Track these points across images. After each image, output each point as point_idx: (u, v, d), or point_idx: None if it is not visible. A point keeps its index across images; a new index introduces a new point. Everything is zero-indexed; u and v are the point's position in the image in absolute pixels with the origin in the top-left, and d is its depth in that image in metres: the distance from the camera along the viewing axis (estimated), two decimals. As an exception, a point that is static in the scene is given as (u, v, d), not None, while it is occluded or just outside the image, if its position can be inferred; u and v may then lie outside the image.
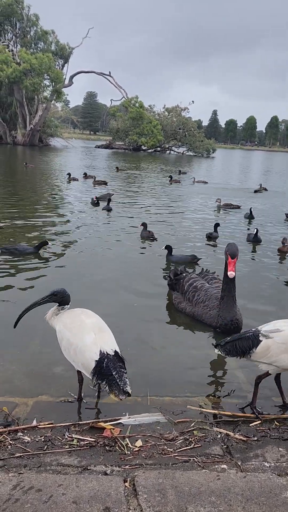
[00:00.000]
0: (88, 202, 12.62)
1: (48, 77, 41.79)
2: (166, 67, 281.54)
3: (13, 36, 45.02)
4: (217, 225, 9.08)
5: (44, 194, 14.00)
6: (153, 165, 31.94)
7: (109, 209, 11.43)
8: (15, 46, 44.36)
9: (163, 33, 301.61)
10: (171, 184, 19.89)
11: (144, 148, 52.82)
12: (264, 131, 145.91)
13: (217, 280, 5.24)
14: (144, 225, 8.68)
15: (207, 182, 21.96)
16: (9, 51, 41.28)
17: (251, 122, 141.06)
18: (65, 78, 46.17)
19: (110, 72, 51.94)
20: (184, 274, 5.35)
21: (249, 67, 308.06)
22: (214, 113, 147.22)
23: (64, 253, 7.17)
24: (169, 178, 20.99)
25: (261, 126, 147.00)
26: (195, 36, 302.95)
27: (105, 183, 17.93)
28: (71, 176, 18.30)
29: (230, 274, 4.23)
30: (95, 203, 12.20)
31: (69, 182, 17.58)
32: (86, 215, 10.85)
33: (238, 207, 13.39)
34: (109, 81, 52.11)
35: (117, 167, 24.63)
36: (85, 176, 19.44)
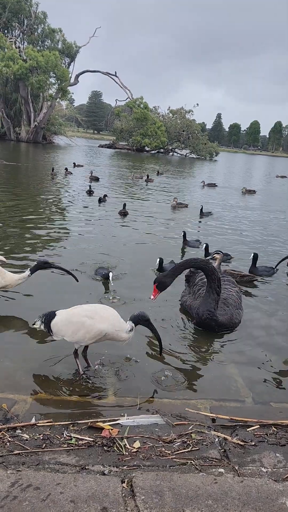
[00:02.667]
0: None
1: (54, 75, 41.83)
2: (172, 69, 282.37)
3: (21, 33, 45.12)
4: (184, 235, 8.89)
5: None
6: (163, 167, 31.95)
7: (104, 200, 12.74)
8: (22, 43, 44.45)
9: (171, 36, 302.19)
10: (147, 184, 19.73)
11: (147, 149, 52.86)
12: (267, 136, 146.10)
13: (229, 279, 5.29)
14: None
15: (216, 185, 21.88)
16: (16, 47, 41.33)
17: (254, 127, 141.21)
18: (70, 77, 46.23)
19: (116, 72, 52.03)
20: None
21: (255, 72, 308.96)
22: (218, 116, 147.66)
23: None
24: (146, 177, 20.89)
25: (264, 131, 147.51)
26: (203, 39, 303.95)
27: (97, 179, 18.49)
28: (54, 171, 18.73)
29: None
30: (90, 192, 14.00)
31: (53, 179, 17.67)
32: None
33: (186, 205, 13.62)
34: (115, 81, 52.21)
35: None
36: (66, 170, 19.68)
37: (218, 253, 6.34)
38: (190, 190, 19.68)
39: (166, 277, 4.56)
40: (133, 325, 3.39)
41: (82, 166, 23.89)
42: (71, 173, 19.62)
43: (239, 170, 44.06)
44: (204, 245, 7.70)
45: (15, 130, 44.05)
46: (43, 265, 4.59)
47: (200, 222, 11.74)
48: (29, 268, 4.63)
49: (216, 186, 21.73)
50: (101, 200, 12.66)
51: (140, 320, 3.41)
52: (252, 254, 7.05)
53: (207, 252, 7.42)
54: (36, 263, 4.64)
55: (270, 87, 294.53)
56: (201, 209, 12.41)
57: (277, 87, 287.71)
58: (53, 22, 46.71)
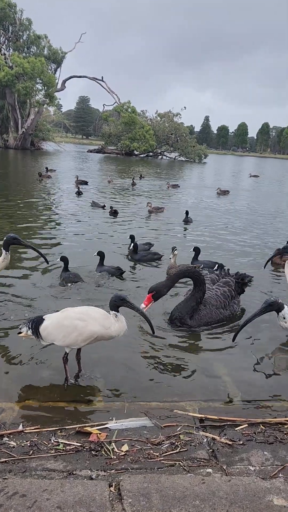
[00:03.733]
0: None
1: (41, 81, 41.81)
2: (160, 72, 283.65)
3: (6, 40, 45.03)
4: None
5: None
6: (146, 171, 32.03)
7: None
8: (8, 50, 44.39)
9: (157, 39, 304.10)
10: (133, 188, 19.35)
11: (136, 153, 53.01)
12: (255, 137, 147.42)
13: (226, 280, 5.34)
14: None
15: (179, 186, 21.54)
16: (1, 54, 41.30)
17: (242, 129, 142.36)
18: (57, 82, 46.27)
19: (102, 77, 52.17)
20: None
21: (243, 74, 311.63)
22: (206, 119, 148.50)
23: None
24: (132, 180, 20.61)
25: (252, 133, 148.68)
26: (190, 42, 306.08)
27: (86, 182, 18.66)
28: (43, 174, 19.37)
29: (142, 306, 4.36)
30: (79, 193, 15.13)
31: (40, 182, 18.36)
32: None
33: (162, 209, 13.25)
34: (102, 86, 52.33)
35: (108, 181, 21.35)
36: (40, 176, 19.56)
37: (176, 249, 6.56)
38: (159, 192, 19.34)
39: (163, 286, 4.57)
40: (115, 312, 3.38)
41: (54, 170, 23.03)
42: (50, 177, 19.80)
43: (223, 171, 44.40)
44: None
45: (3, 137, 43.91)
46: (13, 241, 4.58)
47: (185, 229, 11.16)
48: (1, 248, 4.66)
49: (179, 187, 21.11)
50: (111, 212, 11.97)
51: (117, 303, 3.37)
52: (193, 248, 7.27)
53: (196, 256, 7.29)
54: (5, 238, 4.61)
55: (257, 89, 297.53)
56: (187, 214, 11.68)
57: (264, 89, 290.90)
58: (38, 28, 46.83)
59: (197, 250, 7.25)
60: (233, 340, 4.10)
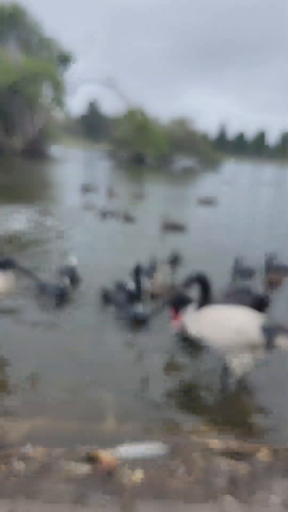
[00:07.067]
0: None
1: (50, 85, 42.71)
2: (175, 77, 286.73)
3: (16, 44, 46.21)
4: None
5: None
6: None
7: None
8: (18, 53, 45.47)
9: (172, 43, 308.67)
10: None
11: (147, 159, 53.41)
12: (273, 145, 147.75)
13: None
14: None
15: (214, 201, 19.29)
16: (11, 58, 42.33)
17: (260, 136, 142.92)
18: (67, 86, 47.17)
19: (114, 81, 53.05)
20: None
21: (261, 81, 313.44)
22: (223, 125, 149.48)
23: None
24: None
25: (270, 140, 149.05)
26: (209, 47, 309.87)
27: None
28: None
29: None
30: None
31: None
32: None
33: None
34: (113, 90, 53.19)
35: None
36: None
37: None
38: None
39: (180, 294, 4.36)
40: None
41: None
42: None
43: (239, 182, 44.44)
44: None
45: (11, 141, 44.68)
46: (7, 262, 4.33)
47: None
48: None
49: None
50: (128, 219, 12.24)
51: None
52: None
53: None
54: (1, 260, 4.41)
55: (276, 96, 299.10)
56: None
57: (283, 96, 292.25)
58: (49, 32, 47.89)
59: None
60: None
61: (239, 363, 3.75)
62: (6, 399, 3.45)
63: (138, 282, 5.71)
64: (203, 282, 4.71)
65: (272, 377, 4.18)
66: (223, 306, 4.15)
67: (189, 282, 4.63)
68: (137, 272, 5.71)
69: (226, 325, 3.67)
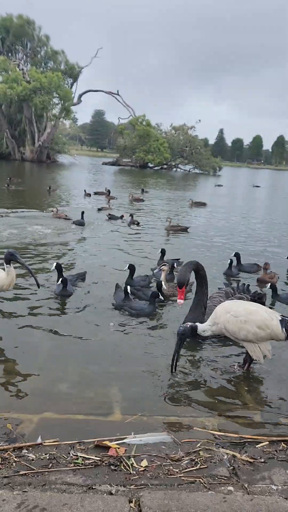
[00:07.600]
0: None
1: (57, 95, 42.78)
2: (175, 86, 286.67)
3: (24, 56, 46.33)
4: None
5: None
6: (158, 184, 32.21)
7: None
8: (26, 65, 45.58)
9: (173, 53, 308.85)
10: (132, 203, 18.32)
11: (150, 165, 53.42)
12: (270, 150, 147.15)
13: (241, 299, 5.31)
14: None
15: (205, 204, 19.34)
16: (19, 70, 42.43)
17: (257, 141, 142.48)
18: (73, 96, 47.18)
19: (118, 91, 52.97)
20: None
21: (258, 86, 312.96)
22: (221, 131, 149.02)
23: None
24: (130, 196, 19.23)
25: (267, 145, 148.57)
26: (205, 56, 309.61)
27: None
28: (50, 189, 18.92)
29: (179, 302, 4.26)
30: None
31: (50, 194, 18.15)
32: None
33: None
34: (117, 99, 53.11)
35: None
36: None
37: (165, 265, 6.52)
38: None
39: (185, 274, 4.39)
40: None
41: (55, 190, 19.99)
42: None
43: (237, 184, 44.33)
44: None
45: (20, 150, 44.80)
46: (10, 257, 4.43)
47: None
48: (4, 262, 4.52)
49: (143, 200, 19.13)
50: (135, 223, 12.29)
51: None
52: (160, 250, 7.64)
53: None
54: (4, 255, 4.49)
55: (272, 102, 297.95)
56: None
57: (279, 102, 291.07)
58: (56, 44, 48.13)
59: (163, 252, 7.67)
60: (172, 371, 3.90)
61: (259, 352, 3.84)
62: (18, 393, 3.44)
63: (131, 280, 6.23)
64: (198, 271, 4.74)
65: (273, 371, 4.14)
66: (240, 301, 4.21)
67: (189, 267, 4.57)
68: (131, 271, 6.25)
69: (249, 320, 3.72)
